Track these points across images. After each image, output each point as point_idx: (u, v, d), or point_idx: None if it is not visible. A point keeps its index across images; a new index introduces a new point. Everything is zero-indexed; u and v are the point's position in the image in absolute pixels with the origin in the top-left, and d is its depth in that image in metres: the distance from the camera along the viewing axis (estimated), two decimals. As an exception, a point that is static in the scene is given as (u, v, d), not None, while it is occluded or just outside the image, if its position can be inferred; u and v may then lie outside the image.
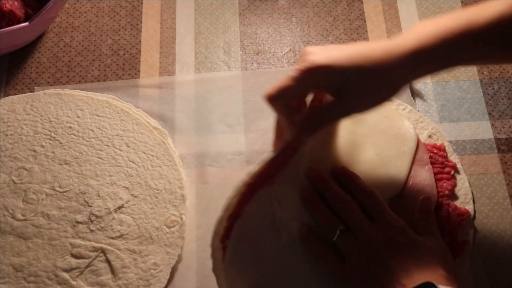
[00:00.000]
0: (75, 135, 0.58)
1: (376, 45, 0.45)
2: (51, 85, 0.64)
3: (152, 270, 0.52)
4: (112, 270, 0.52)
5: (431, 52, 0.43)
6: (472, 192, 0.55)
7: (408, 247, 0.46)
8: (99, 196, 0.55)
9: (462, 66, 0.53)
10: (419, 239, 0.47)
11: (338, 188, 0.51)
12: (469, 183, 0.56)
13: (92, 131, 0.59)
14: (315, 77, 0.45)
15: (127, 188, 0.56)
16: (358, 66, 0.45)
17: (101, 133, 0.58)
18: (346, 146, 0.54)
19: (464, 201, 0.54)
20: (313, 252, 0.50)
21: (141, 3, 0.68)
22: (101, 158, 0.57)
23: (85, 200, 0.55)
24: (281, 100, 0.48)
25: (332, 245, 0.49)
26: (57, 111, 0.60)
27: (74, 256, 0.53)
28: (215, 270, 0.50)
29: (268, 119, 0.60)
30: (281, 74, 0.62)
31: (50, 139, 0.58)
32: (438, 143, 0.57)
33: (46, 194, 0.56)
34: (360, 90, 0.46)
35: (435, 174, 0.54)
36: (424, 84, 0.62)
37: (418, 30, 0.44)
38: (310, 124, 0.48)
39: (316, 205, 0.51)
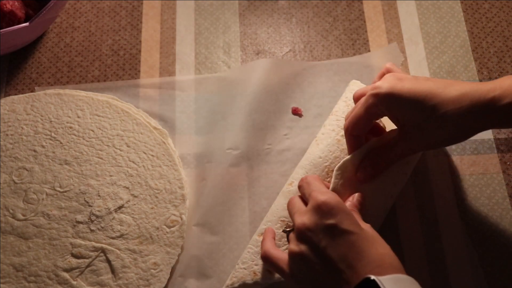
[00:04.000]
0: (75, 135, 0.58)
1: (454, 85, 0.44)
2: (52, 85, 0.64)
3: (152, 270, 0.52)
4: (112, 270, 0.52)
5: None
6: None
7: (337, 226, 0.43)
8: (99, 196, 0.55)
9: None
10: (350, 216, 0.44)
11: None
12: None
13: (93, 131, 0.59)
14: (379, 105, 0.46)
15: (127, 188, 0.56)
16: (423, 102, 0.44)
17: (102, 133, 0.58)
18: None
19: None
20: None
21: (142, 4, 0.68)
22: (101, 158, 0.57)
23: (85, 200, 0.55)
24: (355, 131, 0.49)
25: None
26: (58, 111, 0.60)
27: (75, 256, 0.53)
28: None
29: (268, 119, 0.60)
30: (281, 73, 0.63)
31: (51, 139, 0.58)
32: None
33: (47, 194, 0.56)
34: (425, 128, 0.46)
35: None
36: (424, 84, 0.62)
37: (504, 82, 0.44)
38: (376, 165, 0.49)
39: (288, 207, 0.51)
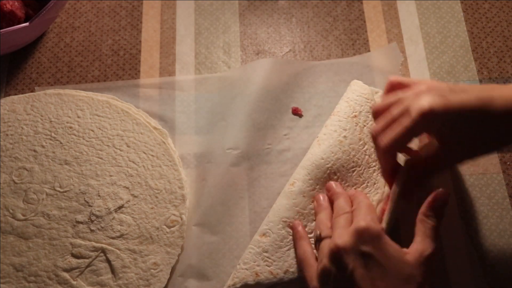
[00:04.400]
0: (75, 135, 0.58)
1: (498, 95, 0.43)
2: (52, 85, 0.64)
3: (152, 270, 0.52)
4: (112, 270, 0.52)
5: None
6: None
7: (373, 255, 0.43)
8: (99, 196, 0.55)
9: None
10: (389, 247, 0.44)
11: (322, 195, 0.53)
12: None
13: (93, 131, 0.59)
14: (430, 124, 0.45)
15: (127, 188, 0.56)
16: (477, 114, 0.44)
17: (102, 133, 0.58)
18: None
19: None
20: (295, 251, 0.51)
21: (141, 4, 0.68)
22: (101, 158, 0.57)
23: (85, 200, 0.55)
24: (395, 150, 0.48)
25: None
26: (58, 111, 0.60)
27: (75, 256, 0.53)
28: None
29: (268, 118, 0.60)
30: (281, 74, 0.63)
31: (51, 139, 0.58)
32: None
33: (47, 194, 0.56)
34: (468, 142, 0.45)
35: None
36: (424, 84, 0.62)
37: None
38: (417, 181, 0.49)
39: (316, 212, 0.53)
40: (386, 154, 0.48)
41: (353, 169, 0.54)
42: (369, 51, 0.64)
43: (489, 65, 0.63)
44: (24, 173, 0.57)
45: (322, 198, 0.53)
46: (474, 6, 0.67)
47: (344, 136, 0.53)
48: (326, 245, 0.47)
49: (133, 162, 0.57)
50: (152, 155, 0.57)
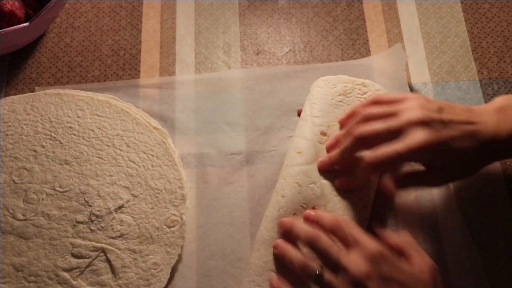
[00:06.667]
0: (75, 135, 0.58)
1: (483, 129, 0.47)
2: (52, 85, 0.64)
3: (152, 270, 0.52)
4: (113, 270, 0.52)
5: None
6: None
7: (393, 275, 0.43)
8: (99, 196, 0.55)
9: None
10: (404, 269, 0.44)
11: (304, 224, 0.49)
12: None
13: (93, 131, 0.59)
14: (419, 155, 0.47)
15: (128, 188, 0.56)
16: (460, 150, 0.47)
17: (102, 133, 0.58)
18: None
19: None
20: None
21: (142, 4, 0.68)
22: (101, 158, 0.57)
23: (85, 200, 0.55)
24: (380, 168, 0.50)
25: None
26: (58, 111, 0.60)
27: (75, 255, 0.53)
28: None
29: (268, 118, 0.60)
30: (281, 74, 0.63)
31: (51, 139, 0.58)
32: None
33: (47, 194, 0.56)
34: (452, 168, 0.49)
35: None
36: (424, 84, 0.62)
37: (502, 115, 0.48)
38: (403, 185, 0.50)
39: (286, 252, 0.48)
40: (367, 170, 0.50)
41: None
42: (369, 51, 0.64)
43: (489, 65, 0.63)
44: (24, 173, 0.57)
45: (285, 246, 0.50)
46: (474, 6, 0.67)
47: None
48: (337, 279, 0.44)
49: (133, 162, 0.57)
50: (152, 155, 0.57)
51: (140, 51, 0.65)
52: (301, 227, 0.48)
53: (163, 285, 0.52)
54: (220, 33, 0.66)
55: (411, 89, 0.62)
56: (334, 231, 0.47)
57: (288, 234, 0.49)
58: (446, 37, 0.65)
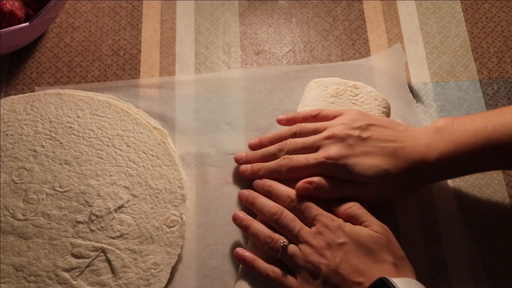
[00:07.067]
0: (75, 135, 0.58)
1: (433, 157, 0.48)
2: (52, 85, 0.64)
3: (152, 270, 0.52)
4: (113, 270, 0.52)
5: (453, 163, 0.48)
6: None
7: (350, 245, 0.46)
8: (99, 196, 0.55)
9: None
10: (358, 232, 0.47)
11: (266, 200, 0.52)
12: None
13: (93, 131, 0.59)
14: (328, 170, 0.50)
15: (127, 188, 0.56)
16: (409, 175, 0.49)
17: (101, 133, 0.58)
18: None
19: None
20: (264, 277, 0.49)
21: (142, 4, 0.68)
22: (101, 158, 0.57)
23: (85, 200, 0.55)
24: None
25: (279, 263, 0.49)
26: (58, 111, 0.60)
27: (75, 255, 0.53)
28: None
29: (268, 118, 0.60)
30: (281, 74, 0.63)
31: (51, 139, 0.58)
32: None
33: (47, 194, 0.56)
34: (380, 187, 0.50)
35: None
36: (424, 84, 0.62)
37: (440, 141, 0.48)
38: (319, 193, 0.50)
39: (248, 224, 0.51)
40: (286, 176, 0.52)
41: None
42: (369, 51, 0.64)
43: (489, 65, 0.63)
44: (24, 173, 0.57)
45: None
46: (474, 6, 0.67)
47: None
48: (300, 251, 0.47)
49: (133, 162, 0.57)
50: (152, 155, 0.57)
51: (140, 51, 0.65)
52: (264, 202, 0.51)
53: (163, 285, 0.52)
54: (220, 33, 0.66)
55: (411, 89, 0.62)
56: (292, 205, 0.50)
57: (249, 204, 0.53)
58: (446, 37, 0.65)
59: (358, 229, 0.47)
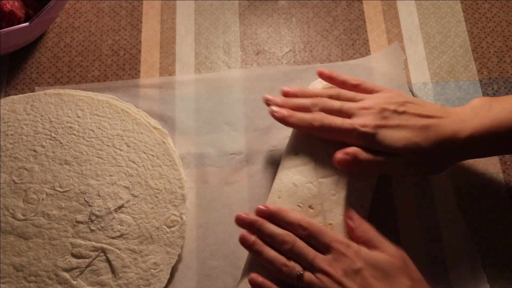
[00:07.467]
0: (75, 135, 0.58)
1: (467, 129, 0.48)
2: (52, 85, 0.64)
3: (152, 270, 0.52)
4: (113, 270, 0.52)
5: (487, 140, 0.48)
6: None
7: (367, 271, 0.45)
8: (99, 196, 0.55)
9: None
10: (374, 257, 0.46)
11: (276, 227, 0.48)
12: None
13: (93, 131, 0.59)
14: (361, 138, 0.49)
15: (128, 188, 0.56)
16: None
17: (101, 133, 0.58)
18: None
19: None
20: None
21: (141, 4, 0.68)
22: (101, 158, 0.57)
23: (85, 200, 0.55)
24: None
25: None
26: (58, 111, 0.60)
27: (75, 255, 0.53)
28: None
29: (268, 118, 0.60)
30: (281, 74, 0.63)
31: (51, 139, 0.58)
32: None
33: (47, 194, 0.56)
34: (409, 160, 0.49)
35: None
36: (424, 84, 0.62)
37: (476, 120, 0.49)
38: (356, 165, 0.49)
39: (261, 250, 0.48)
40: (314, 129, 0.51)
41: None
42: (369, 51, 0.64)
43: (489, 65, 0.63)
44: (24, 173, 0.57)
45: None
46: (474, 6, 0.67)
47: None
48: (317, 279, 0.46)
49: (133, 162, 0.57)
50: (152, 155, 0.57)
51: (140, 51, 0.66)
52: (274, 229, 0.48)
53: (163, 285, 0.52)
54: (220, 33, 0.66)
55: (411, 89, 0.62)
56: (304, 234, 0.48)
57: (256, 231, 0.49)
58: (446, 37, 0.65)
59: (374, 254, 0.46)
